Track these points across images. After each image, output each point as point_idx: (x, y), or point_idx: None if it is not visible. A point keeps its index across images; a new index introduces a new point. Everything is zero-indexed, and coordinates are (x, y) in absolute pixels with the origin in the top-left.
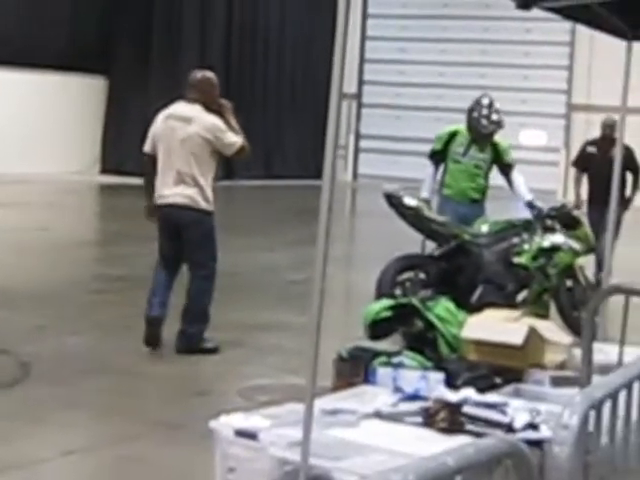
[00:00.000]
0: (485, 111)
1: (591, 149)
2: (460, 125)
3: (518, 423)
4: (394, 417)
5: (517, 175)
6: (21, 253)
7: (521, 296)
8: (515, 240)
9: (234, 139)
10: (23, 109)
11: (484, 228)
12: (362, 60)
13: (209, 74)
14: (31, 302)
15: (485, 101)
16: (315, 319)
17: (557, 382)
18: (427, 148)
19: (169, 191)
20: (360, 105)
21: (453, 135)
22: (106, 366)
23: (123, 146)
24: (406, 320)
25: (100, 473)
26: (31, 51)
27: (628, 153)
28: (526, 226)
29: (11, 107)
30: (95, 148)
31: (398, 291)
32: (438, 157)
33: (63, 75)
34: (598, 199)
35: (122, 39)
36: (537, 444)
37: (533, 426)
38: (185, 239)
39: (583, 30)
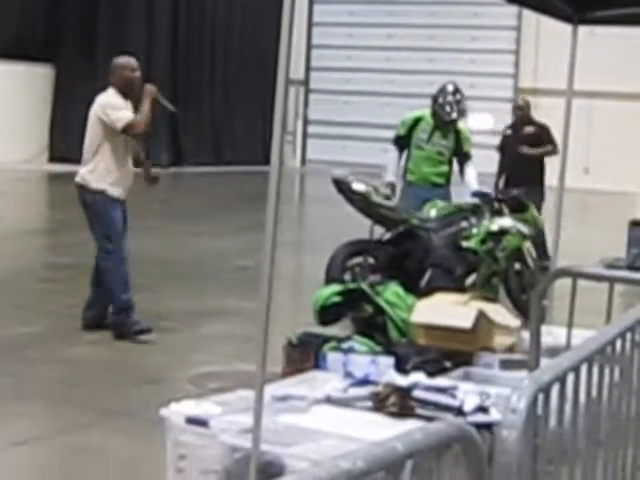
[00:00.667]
0: (449, 98)
1: (508, 132)
2: (424, 111)
3: (468, 406)
4: (344, 402)
5: (471, 167)
6: None
7: (470, 280)
8: (463, 224)
9: (121, 115)
10: None
11: (432, 212)
12: (309, 46)
13: (124, 58)
14: None
15: (450, 88)
16: (265, 305)
17: (506, 365)
18: (375, 133)
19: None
20: (308, 91)
21: (417, 121)
22: (56, 355)
23: (71, 134)
24: (355, 305)
25: (51, 463)
26: None
27: (544, 131)
28: (474, 210)
29: None
30: (43, 137)
31: (347, 276)
32: (402, 142)
33: (9, 64)
34: (515, 179)
35: (68, 27)
36: (487, 427)
37: (483, 409)
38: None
39: (530, 14)
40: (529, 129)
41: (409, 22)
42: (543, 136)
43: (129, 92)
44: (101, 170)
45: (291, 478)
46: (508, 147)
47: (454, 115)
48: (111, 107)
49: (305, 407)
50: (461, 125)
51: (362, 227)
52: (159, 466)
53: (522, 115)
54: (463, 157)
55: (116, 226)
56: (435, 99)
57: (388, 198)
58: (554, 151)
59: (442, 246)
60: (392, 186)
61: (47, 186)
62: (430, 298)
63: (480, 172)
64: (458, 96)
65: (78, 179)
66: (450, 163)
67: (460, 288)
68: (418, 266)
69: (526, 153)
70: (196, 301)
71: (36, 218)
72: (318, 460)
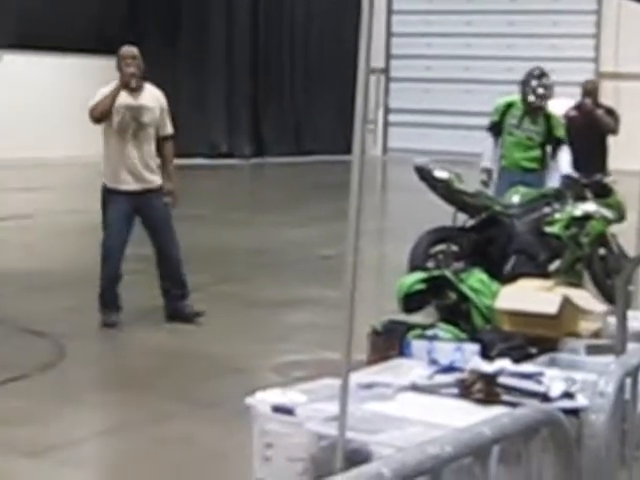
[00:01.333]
0: (534, 82)
1: (572, 112)
2: (515, 96)
3: (554, 392)
4: (430, 389)
5: (564, 152)
6: (57, 236)
7: (554, 265)
8: (547, 210)
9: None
10: (52, 92)
11: (515, 199)
12: (389, 34)
13: (122, 49)
14: (65, 284)
15: (535, 72)
16: (349, 293)
17: (592, 350)
18: (456, 120)
19: None
20: (388, 79)
21: (509, 106)
22: (140, 346)
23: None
24: (439, 292)
25: (138, 452)
26: (59, 34)
27: (611, 114)
28: (557, 195)
29: (40, 91)
30: None
31: (431, 264)
32: (496, 128)
33: (90, 58)
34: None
35: (149, 22)
36: (573, 413)
37: (569, 395)
38: None
39: None
40: (599, 111)
41: (488, 8)
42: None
43: (125, 84)
44: (105, 161)
45: (379, 463)
46: (575, 130)
47: (538, 101)
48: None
49: (391, 394)
50: (552, 110)
51: (445, 214)
52: (245, 455)
53: (591, 97)
54: (556, 143)
55: (110, 219)
56: (523, 84)
57: (485, 184)
58: (616, 130)
59: (525, 232)
60: (488, 172)
61: None
62: (514, 284)
63: None
64: (545, 80)
65: None
66: (542, 148)
67: (544, 274)
68: (502, 252)
69: (601, 119)
70: (280, 290)
71: None
72: (404, 447)
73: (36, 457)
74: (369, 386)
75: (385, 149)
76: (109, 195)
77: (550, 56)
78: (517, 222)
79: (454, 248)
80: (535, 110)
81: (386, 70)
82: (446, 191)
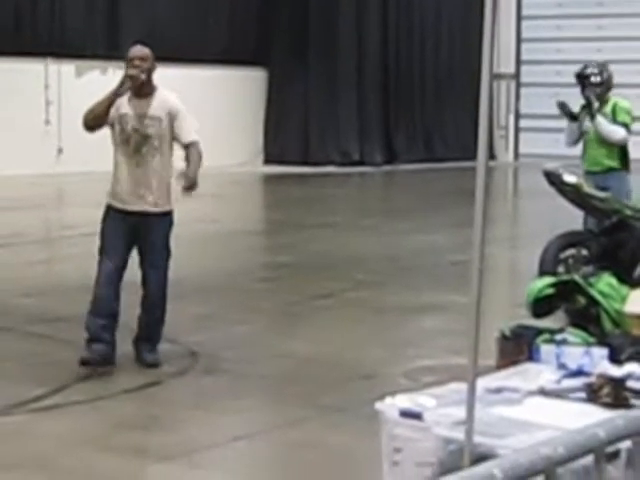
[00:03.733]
0: (587, 77)
1: None
2: None
3: None
4: (558, 394)
5: (622, 129)
6: (191, 245)
7: None
8: None
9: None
10: (187, 104)
11: None
12: (519, 39)
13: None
14: (199, 292)
15: (583, 69)
16: (475, 299)
17: None
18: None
19: None
20: (519, 85)
21: (583, 108)
22: (271, 352)
23: (284, 136)
24: (569, 297)
25: (270, 458)
26: (192, 46)
27: None
28: None
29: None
30: (258, 139)
31: (560, 268)
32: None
33: (223, 69)
34: None
35: (279, 30)
36: None
37: None
38: None
39: None
40: None
41: (620, 12)
42: None
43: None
44: (113, 179)
45: (491, 464)
46: None
47: (590, 96)
48: None
49: (518, 399)
50: (619, 100)
51: (575, 219)
52: (375, 460)
53: None
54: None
55: (106, 240)
56: (581, 83)
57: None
58: None
59: None
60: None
61: (263, 187)
62: None
63: None
64: (592, 76)
65: None
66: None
67: None
68: (631, 257)
69: None
70: (410, 296)
71: (253, 219)
72: None
73: (169, 462)
74: (497, 391)
75: (517, 154)
76: (111, 213)
77: None
78: None
79: (584, 252)
80: (590, 105)
81: (517, 75)
82: (575, 195)
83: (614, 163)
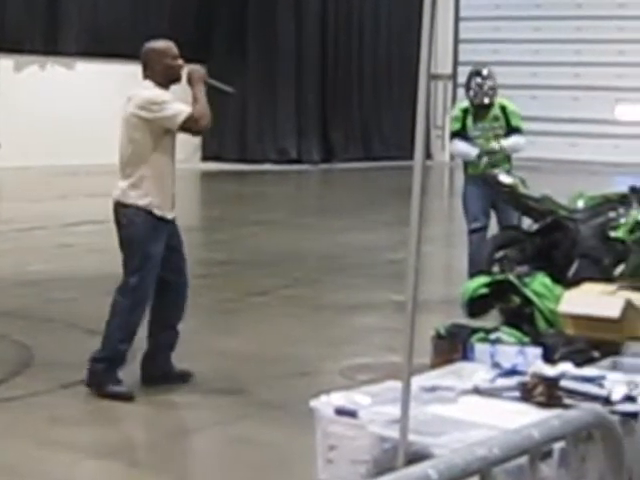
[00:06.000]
0: (478, 80)
1: None
2: (466, 102)
3: (615, 396)
4: (492, 392)
5: (514, 137)
6: None
7: (618, 270)
8: (611, 214)
9: (176, 109)
10: (117, 101)
11: (580, 203)
12: (456, 40)
13: (159, 43)
14: None
15: (480, 72)
16: (410, 297)
17: None
18: (525, 126)
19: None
20: (456, 85)
21: (465, 112)
22: (209, 349)
23: (222, 133)
24: (503, 296)
25: (208, 453)
26: (132, 43)
27: None
28: (622, 200)
29: (115, 98)
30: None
31: (495, 268)
32: (460, 136)
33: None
34: None
35: (218, 28)
36: (635, 416)
37: (631, 399)
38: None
39: None
40: None
41: (555, 14)
42: None
43: (170, 84)
44: (147, 183)
45: (427, 464)
46: None
47: (485, 100)
48: (157, 103)
49: (453, 397)
50: (505, 102)
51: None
52: (310, 457)
53: None
54: (512, 131)
55: (152, 257)
56: (466, 87)
57: (488, 158)
58: None
59: (590, 236)
60: (486, 152)
61: (200, 184)
62: (578, 288)
63: (632, 162)
64: (483, 77)
65: (117, 194)
66: None
67: (608, 278)
68: (566, 257)
69: None
70: (347, 294)
71: (190, 216)
72: None
73: (107, 458)
74: (432, 389)
75: (453, 153)
76: (156, 225)
77: (617, 61)
78: (581, 226)
79: (518, 252)
80: (482, 109)
81: (454, 76)
82: (511, 196)
83: (508, 166)
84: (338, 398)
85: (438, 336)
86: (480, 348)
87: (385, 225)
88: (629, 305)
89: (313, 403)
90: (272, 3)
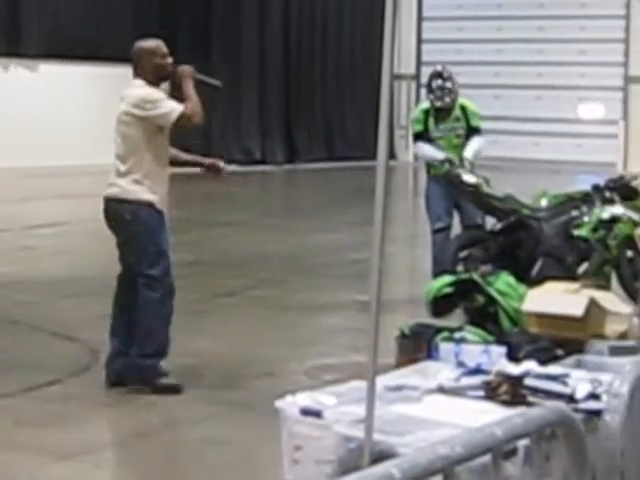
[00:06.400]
0: (439, 82)
1: None
2: (427, 102)
3: (579, 394)
4: (457, 391)
5: (475, 140)
6: (92, 243)
7: (582, 268)
8: (574, 213)
9: (169, 107)
10: (89, 101)
11: (543, 202)
12: (419, 41)
13: (149, 42)
14: (100, 290)
15: (439, 74)
16: (375, 297)
17: (616, 351)
18: (488, 125)
19: (109, 181)
20: (419, 85)
21: (426, 113)
22: (175, 351)
23: (187, 135)
24: (467, 295)
25: (174, 454)
26: (96, 44)
27: None
28: (585, 199)
29: (77, 99)
30: None
31: (459, 267)
32: (425, 137)
33: (127, 67)
34: None
35: (183, 30)
36: (599, 414)
37: (595, 396)
38: (119, 240)
39: (638, 3)
40: None
41: (517, 14)
42: None
43: (160, 82)
44: (147, 180)
45: (390, 463)
46: None
47: (446, 100)
48: (150, 101)
49: (418, 397)
50: (465, 102)
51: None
52: (275, 457)
53: None
54: (472, 131)
55: (165, 247)
56: (427, 89)
57: (452, 167)
58: None
59: (553, 235)
60: (449, 161)
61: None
62: (541, 287)
63: (594, 161)
64: (444, 78)
65: (115, 192)
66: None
67: (572, 277)
68: (529, 255)
69: None
70: (311, 294)
71: None
72: None
73: (71, 460)
74: (396, 389)
75: (416, 155)
76: (159, 218)
77: (579, 61)
78: (545, 225)
79: (482, 252)
80: (443, 109)
81: (417, 76)
82: (475, 195)
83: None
84: (303, 398)
85: (402, 336)
86: (444, 347)
87: (348, 225)
88: (593, 303)
89: (278, 403)
90: (236, 5)
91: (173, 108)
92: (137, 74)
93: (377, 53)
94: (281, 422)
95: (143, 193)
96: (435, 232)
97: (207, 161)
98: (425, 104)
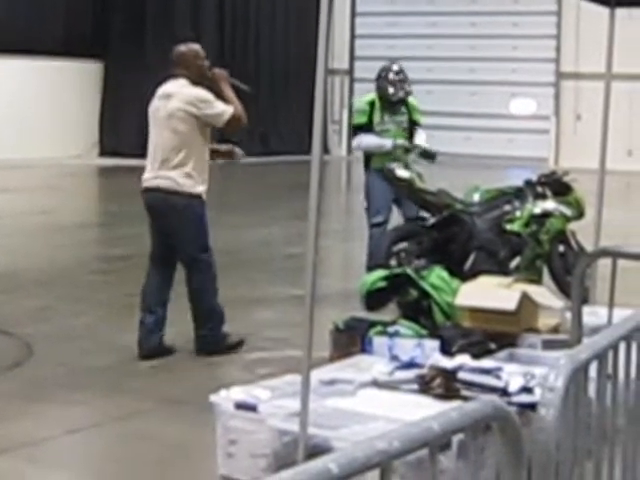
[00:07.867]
0: (392, 76)
1: None
2: (372, 95)
3: (513, 387)
4: (391, 385)
5: (420, 132)
6: (24, 237)
7: (514, 263)
8: (507, 208)
9: (221, 108)
10: (22, 95)
11: (476, 197)
12: (353, 36)
13: (192, 46)
14: (34, 284)
15: (393, 67)
16: (309, 291)
17: (549, 345)
18: (422, 120)
19: (153, 173)
20: (352, 80)
21: (372, 105)
22: (109, 345)
23: (120, 128)
24: (401, 290)
25: (106, 450)
26: (28, 38)
27: None
28: (517, 194)
29: (10, 94)
30: (93, 131)
31: (393, 262)
32: (366, 129)
33: (60, 61)
34: None
35: (116, 23)
36: (532, 407)
37: (527, 390)
38: (169, 228)
39: None
40: None
41: (450, 10)
42: None
43: (201, 82)
44: (195, 173)
45: (327, 458)
46: None
47: (401, 94)
48: (204, 100)
49: (352, 390)
50: (410, 99)
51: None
52: (210, 451)
53: None
54: (413, 126)
55: (208, 234)
56: (379, 79)
57: (407, 153)
58: None
59: (486, 230)
60: (401, 147)
61: (98, 180)
62: (474, 281)
63: (527, 156)
64: (402, 75)
65: (166, 184)
66: (412, 137)
67: (504, 271)
68: (462, 250)
69: None
70: (245, 289)
71: (88, 212)
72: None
73: (4, 455)
74: (331, 382)
75: (350, 149)
76: (204, 208)
77: (512, 56)
78: (477, 220)
79: (416, 246)
80: (395, 104)
81: (350, 71)
82: (409, 190)
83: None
84: (238, 392)
85: (337, 330)
86: (378, 341)
87: (283, 220)
88: (525, 297)
89: (213, 398)
90: (170, 2)
91: (225, 109)
92: (181, 75)
93: (311, 48)
94: (216, 416)
95: (194, 186)
96: (372, 226)
97: (223, 147)
98: (370, 96)
